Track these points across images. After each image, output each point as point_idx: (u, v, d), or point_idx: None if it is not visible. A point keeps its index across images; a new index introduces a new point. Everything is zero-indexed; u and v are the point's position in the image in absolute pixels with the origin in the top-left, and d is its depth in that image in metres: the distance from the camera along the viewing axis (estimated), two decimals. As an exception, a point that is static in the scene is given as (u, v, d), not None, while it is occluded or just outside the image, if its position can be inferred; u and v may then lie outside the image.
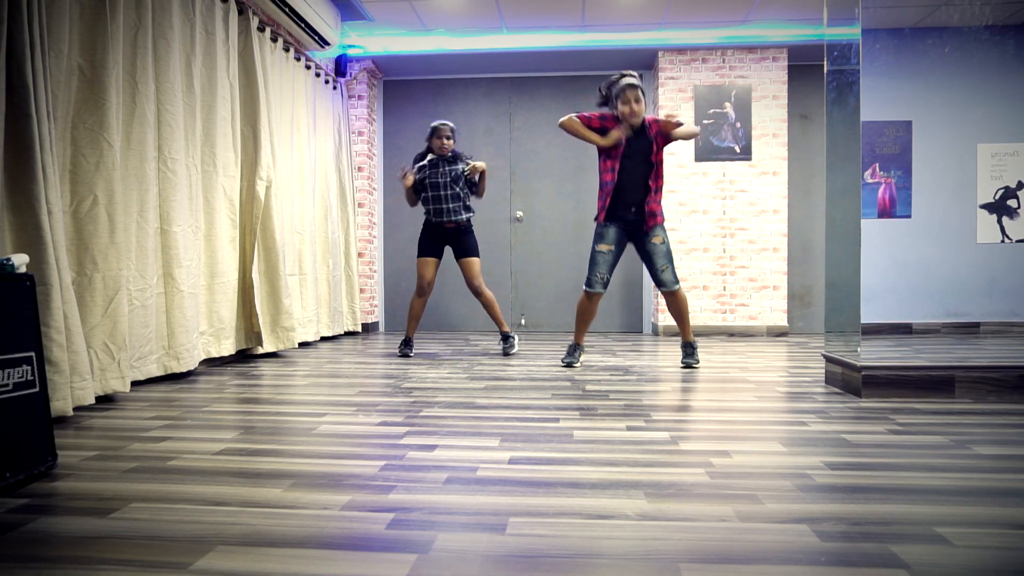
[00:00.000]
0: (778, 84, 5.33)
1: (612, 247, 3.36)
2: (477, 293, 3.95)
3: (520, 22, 4.98)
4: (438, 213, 3.87)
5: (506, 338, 4.02)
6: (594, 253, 3.39)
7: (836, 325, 2.85)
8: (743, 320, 5.37)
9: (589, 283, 3.37)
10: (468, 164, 3.91)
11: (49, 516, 1.28)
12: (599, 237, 3.38)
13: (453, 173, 3.87)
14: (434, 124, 3.88)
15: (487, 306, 3.99)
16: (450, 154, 3.90)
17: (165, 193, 3.01)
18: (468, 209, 3.92)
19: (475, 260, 3.94)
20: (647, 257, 3.39)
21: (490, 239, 5.88)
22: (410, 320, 3.96)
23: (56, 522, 1.25)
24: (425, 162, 3.90)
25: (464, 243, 3.94)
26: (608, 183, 3.34)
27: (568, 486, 1.45)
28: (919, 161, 5.13)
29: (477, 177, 3.96)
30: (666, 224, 5.38)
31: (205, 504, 1.34)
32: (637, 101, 3.22)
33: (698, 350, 3.55)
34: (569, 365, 3.46)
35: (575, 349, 3.53)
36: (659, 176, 3.33)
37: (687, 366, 3.42)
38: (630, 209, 3.34)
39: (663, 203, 5.30)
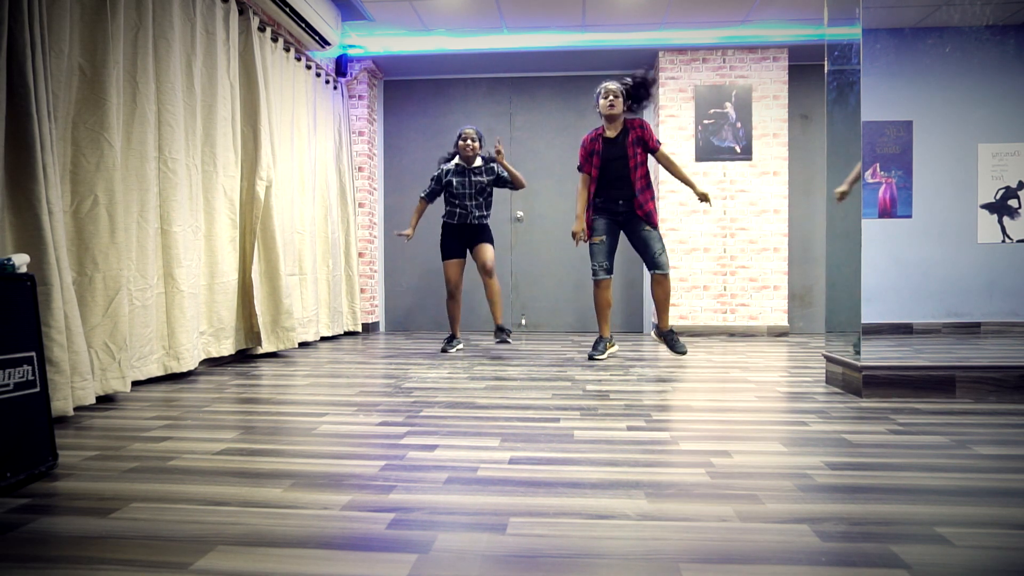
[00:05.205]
0: (778, 84, 5.33)
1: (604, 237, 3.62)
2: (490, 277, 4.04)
3: (520, 22, 4.98)
4: (462, 217, 3.99)
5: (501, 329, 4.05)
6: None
7: (836, 325, 2.85)
8: (744, 320, 5.37)
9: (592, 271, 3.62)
10: (497, 166, 4.00)
11: (49, 516, 1.28)
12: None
13: (479, 185, 4.00)
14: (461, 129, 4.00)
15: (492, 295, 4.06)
16: (477, 161, 4.00)
17: (165, 193, 3.01)
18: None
19: (490, 246, 4.08)
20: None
21: (490, 239, 5.90)
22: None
23: (56, 522, 1.25)
24: (449, 166, 4.00)
25: (483, 234, 4.08)
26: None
27: (568, 486, 1.44)
28: (920, 161, 5.13)
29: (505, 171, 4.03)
30: (667, 224, 5.41)
31: (205, 504, 1.34)
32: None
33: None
34: (591, 358, 3.60)
35: (600, 342, 3.67)
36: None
37: (682, 354, 3.58)
38: (618, 202, 3.60)
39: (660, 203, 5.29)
